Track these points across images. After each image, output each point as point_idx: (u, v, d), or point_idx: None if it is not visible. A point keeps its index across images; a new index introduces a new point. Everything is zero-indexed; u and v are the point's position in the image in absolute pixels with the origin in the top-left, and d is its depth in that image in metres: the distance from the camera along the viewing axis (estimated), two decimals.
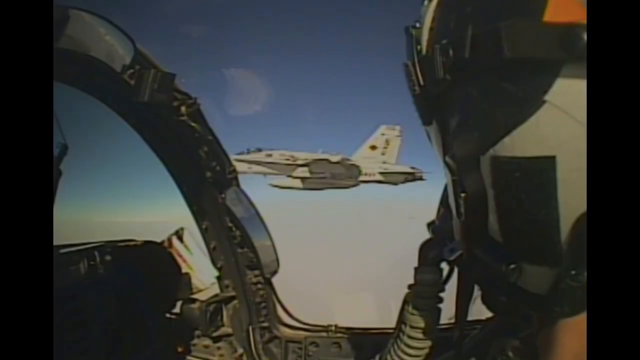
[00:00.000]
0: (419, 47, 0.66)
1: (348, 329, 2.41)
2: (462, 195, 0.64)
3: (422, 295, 1.04)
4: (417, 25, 0.67)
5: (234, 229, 2.36)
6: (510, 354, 0.75)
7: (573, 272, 0.55)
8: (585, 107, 0.50)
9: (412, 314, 1.04)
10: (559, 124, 0.52)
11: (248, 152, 29.61)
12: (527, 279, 0.63)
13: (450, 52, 0.58)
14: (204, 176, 2.25)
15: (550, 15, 0.50)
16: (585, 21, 0.49)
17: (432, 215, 1.02)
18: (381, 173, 31.79)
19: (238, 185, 2.37)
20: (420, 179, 32.20)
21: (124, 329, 2.08)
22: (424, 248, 1.04)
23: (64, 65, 1.65)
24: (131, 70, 1.68)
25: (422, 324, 1.03)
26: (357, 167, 30.90)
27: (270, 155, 30.13)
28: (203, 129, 2.09)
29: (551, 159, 0.54)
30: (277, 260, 2.45)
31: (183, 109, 1.94)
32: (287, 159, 30.31)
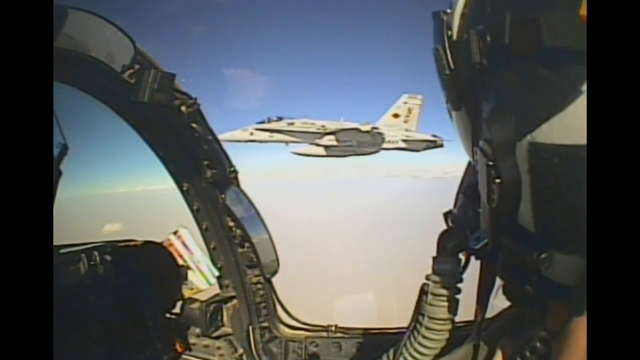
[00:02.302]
0: (449, 32, 0.67)
1: (348, 329, 2.41)
2: (497, 181, 0.63)
3: (440, 286, 1.04)
4: (448, 10, 0.69)
5: (234, 229, 2.36)
6: (538, 344, 0.74)
7: None
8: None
9: (431, 305, 1.04)
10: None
11: (269, 121, 29.39)
12: (556, 269, 0.63)
13: (488, 37, 0.59)
14: (204, 176, 2.25)
15: (585, 9, 0.51)
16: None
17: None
18: (404, 140, 32.06)
19: (238, 185, 2.37)
20: (441, 146, 32.40)
21: (124, 329, 2.08)
22: (443, 238, 1.03)
23: (64, 65, 1.65)
24: (131, 70, 1.68)
25: (440, 315, 1.03)
26: (381, 135, 30.98)
27: (292, 124, 29.98)
28: (203, 129, 2.09)
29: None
30: (277, 260, 2.45)
31: (183, 109, 1.94)
32: (316, 127, 30.21)
